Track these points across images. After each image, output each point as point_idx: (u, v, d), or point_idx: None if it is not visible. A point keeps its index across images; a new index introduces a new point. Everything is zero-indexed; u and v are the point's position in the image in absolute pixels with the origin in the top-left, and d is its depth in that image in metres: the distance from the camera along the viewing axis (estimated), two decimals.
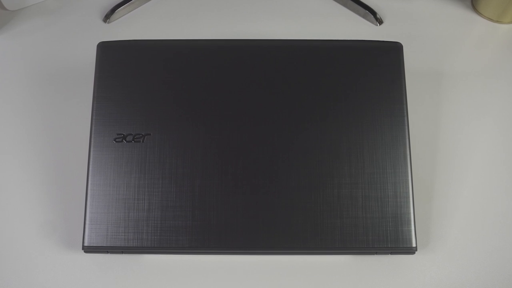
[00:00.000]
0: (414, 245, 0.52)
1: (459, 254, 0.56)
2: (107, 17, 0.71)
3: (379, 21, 0.72)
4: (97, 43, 0.58)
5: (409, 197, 0.53)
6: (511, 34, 0.71)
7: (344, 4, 0.73)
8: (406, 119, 0.55)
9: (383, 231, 0.52)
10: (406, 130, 0.55)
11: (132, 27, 0.71)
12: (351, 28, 0.71)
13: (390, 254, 0.53)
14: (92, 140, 0.55)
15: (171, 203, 0.53)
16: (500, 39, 0.71)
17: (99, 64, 0.57)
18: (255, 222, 0.52)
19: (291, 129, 0.55)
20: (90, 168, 0.54)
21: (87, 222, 0.53)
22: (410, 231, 0.52)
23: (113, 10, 0.71)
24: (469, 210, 0.58)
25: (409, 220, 0.52)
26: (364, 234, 0.52)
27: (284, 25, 0.71)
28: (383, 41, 0.58)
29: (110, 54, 0.57)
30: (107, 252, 0.53)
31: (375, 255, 0.55)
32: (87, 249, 0.52)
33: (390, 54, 0.57)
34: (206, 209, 0.52)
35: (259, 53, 0.57)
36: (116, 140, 0.55)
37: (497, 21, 0.72)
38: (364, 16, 0.72)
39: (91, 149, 0.54)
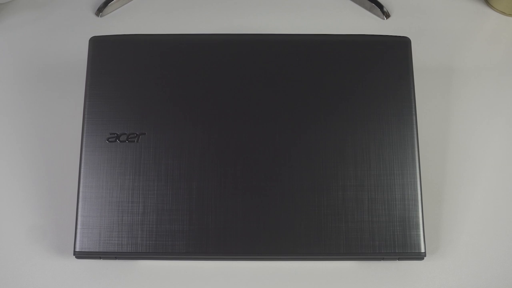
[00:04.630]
0: (422, 250, 0.52)
1: (470, 260, 0.56)
2: (100, 11, 0.72)
3: (386, 15, 0.72)
4: (89, 37, 0.58)
5: (417, 200, 0.53)
6: None
7: None
8: (414, 118, 0.55)
9: (390, 236, 0.52)
10: (415, 130, 0.55)
11: (126, 21, 0.71)
12: (356, 22, 0.71)
13: (398, 260, 0.54)
14: (84, 140, 0.55)
15: (167, 206, 0.53)
16: None
17: (91, 60, 0.57)
18: (255, 226, 0.53)
19: (294, 128, 0.55)
20: (82, 170, 0.54)
21: (78, 226, 0.53)
22: (418, 235, 0.52)
23: (106, 3, 0.71)
24: (481, 214, 0.58)
25: (417, 224, 0.53)
26: (370, 239, 0.52)
27: (285, 19, 0.72)
28: (390, 35, 0.59)
29: (103, 49, 0.57)
30: (100, 258, 0.53)
31: (382, 261, 0.55)
32: (79, 255, 0.53)
33: (398, 49, 0.57)
34: (204, 213, 0.53)
35: (260, 48, 0.57)
36: (109, 140, 0.55)
37: (510, 15, 0.72)
38: (370, 10, 0.72)
39: (83, 149, 0.54)
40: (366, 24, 0.71)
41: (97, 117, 0.55)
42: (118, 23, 0.71)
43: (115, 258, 0.54)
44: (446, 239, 0.57)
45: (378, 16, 0.72)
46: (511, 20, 0.72)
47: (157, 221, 0.53)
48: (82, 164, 0.54)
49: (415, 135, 0.55)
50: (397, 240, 0.52)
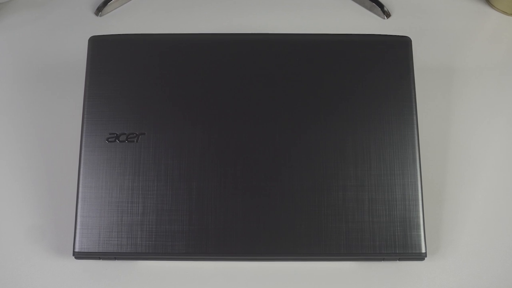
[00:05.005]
0: (423, 250, 0.52)
1: (471, 260, 0.56)
2: (99, 10, 0.72)
3: (387, 14, 0.72)
4: (89, 37, 0.58)
5: (418, 200, 0.53)
6: None
7: None
8: (415, 117, 0.55)
9: (391, 236, 0.52)
10: (415, 130, 0.55)
11: (125, 21, 0.72)
12: (357, 21, 0.72)
13: (398, 260, 0.54)
14: (84, 140, 0.55)
15: (167, 207, 0.53)
16: None
17: (91, 59, 0.57)
18: (255, 227, 0.53)
19: (294, 128, 0.55)
20: (81, 170, 0.54)
21: (78, 226, 0.53)
22: (419, 236, 0.53)
23: (106, 2, 0.71)
24: (482, 214, 0.58)
25: (418, 225, 0.53)
26: (371, 239, 0.52)
27: (285, 19, 0.72)
28: (391, 35, 0.59)
29: (102, 49, 0.57)
30: (99, 259, 0.54)
31: (382, 262, 0.55)
32: (78, 255, 0.53)
33: (398, 49, 0.57)
34: (204, 213, 0.53)
35: (259, 48, 0.58)
36: (109, 140, 0.55)
37: (511, 15, 0.72)
38: (370, 9, 0.72)
39: (82, 149, 0.55)
40: (367, 23, 0.71)
41: (96, 117, 0.55)
42: (117, 23, 0.71)
43: (115, 259, 0.54)
44: (447, 239, 0.57)
45: (379, 15, 0.72)
46: None
47: (156, 221, 0.53)
48: (82, 164, 0.54)
49: (416, 135, 0.55)
50: (397, 241, 0.52)
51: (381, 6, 0.71)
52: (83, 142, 0.55)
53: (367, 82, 0.56)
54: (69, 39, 0.69)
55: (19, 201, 0.59)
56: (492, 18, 0.72)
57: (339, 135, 0.55)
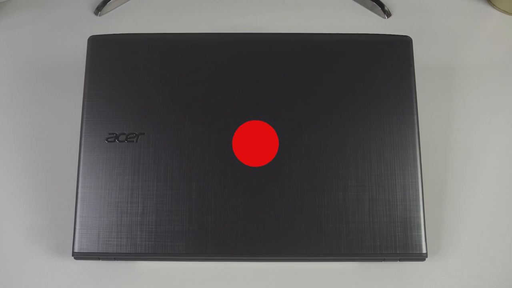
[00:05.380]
0: (424, 251, 0.52)
1: (472, 260, 0.56)
2: (99, 9, 0.71)
3: (387, 14, 0.72)
4: (88, 37, 0.58)
5: (419, 200, 0.53)
6: None
7: None
8: (415, 117, 0.55)
9: (391, 237, 0.52)
10: (416, 129, 0.55)
11: (125, 20, 0.71)
12: (357, 21, 0.71)
13: (399, 260, 0.53)
14: (83, 140, 0.55)
15: (167, 207, 0.53)
16: None
17: (90, 59, 0.57)
18: (255, 227, 0.52)
19: (294, 128, 0.55)
20: (81, 170, 0.54)
21: (77, 226, 0.53)
22: (420, 236, 0.52)
23: (105, 2, 0.71)
24: (483, 214, 0.58)
25: (419, 225, 0.53)
26: (371, 239, 0.52)
27: (286, 18, 0.72)
28: (392, 35, 0.59)
29: (101, 48, 0.57)
30: (99, 259, 0.53)
31: (383, 262, 0.55)
32: (78, 256, 0.53)
33: (399, 48, 0.57)
34: (204, 213, 0.53)
35: (260, 48, 0.57)
36: (108, 140, 0.55)
37: None
38: (371, 8, 0.72)
39: (82, 149, 0.54)
40: (367, 23, 0.71)
41: (96, 117, 0.55)
42: (117, 22, 0.71)
43: (114, 259, 0.54)
44: (447, 239, 0.57)
45: (379, 15, 0.72)
46: None
47: (156, 221, 0.53)
48: (81, 164, 0.54)
49: (417, 135, 0.55)
50: (398, 241, 0.52)
51: (381, 5, 0.71)
52: (83, 142, 0.55)
53: (368, 82, 0.56)
54: (69, 38, 0.69)
55: (18, 201, 0.58)
56: (493, 17, 0.72)
57: (339, 135, 0.54)
